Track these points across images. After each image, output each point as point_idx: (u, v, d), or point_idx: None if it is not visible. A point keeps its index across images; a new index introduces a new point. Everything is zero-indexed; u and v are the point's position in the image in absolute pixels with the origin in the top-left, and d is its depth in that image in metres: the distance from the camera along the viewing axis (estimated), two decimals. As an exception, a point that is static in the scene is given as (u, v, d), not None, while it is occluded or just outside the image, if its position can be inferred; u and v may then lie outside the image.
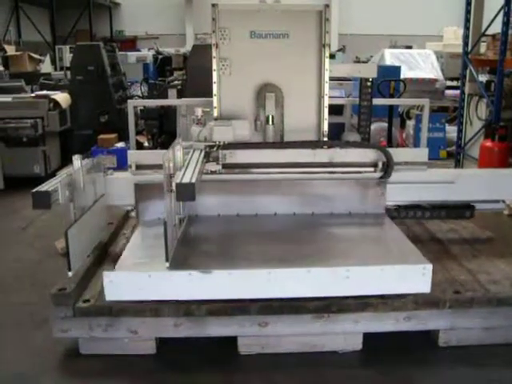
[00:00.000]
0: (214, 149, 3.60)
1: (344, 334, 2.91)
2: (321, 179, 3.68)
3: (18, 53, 11.84)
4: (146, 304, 2.80)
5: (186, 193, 2.66)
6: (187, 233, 3.38)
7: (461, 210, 3.84)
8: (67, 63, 11.66)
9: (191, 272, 2.74)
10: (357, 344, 2.93)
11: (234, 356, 2.89)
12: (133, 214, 4.05)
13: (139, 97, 9.37)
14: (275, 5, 4.50)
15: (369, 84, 5.28)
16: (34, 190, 2.76)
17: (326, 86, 4.22)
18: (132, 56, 14.13)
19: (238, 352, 2.89)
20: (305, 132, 4.19)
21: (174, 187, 2.71)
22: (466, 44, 7.55)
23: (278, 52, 4.17)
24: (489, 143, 6.66)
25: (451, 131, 8.68)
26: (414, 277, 2.82)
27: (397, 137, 8.29)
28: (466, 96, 7.69)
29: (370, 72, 5.32)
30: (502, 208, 4.14)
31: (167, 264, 2.74)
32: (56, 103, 7.04)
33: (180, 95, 7.26)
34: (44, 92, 7.60)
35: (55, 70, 12.60)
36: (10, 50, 12.37)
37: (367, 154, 3.73)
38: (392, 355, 2.92)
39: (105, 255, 3.46)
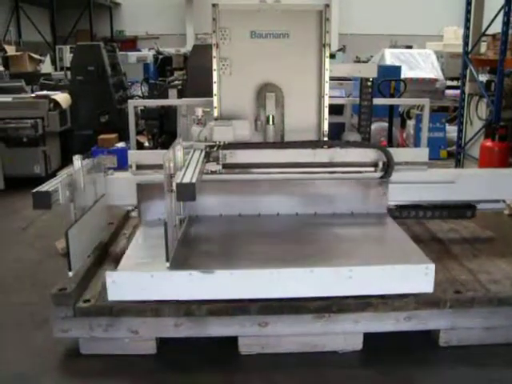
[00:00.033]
0: (215, 149, 3.60)
1: (344, 334, 2.90)
2: (321, 179, 3.68)
3: (19, 53, 11.85)
4: (147, 304, 2.80)
5: (187, 193, 2.66)
6: (189, 233, 3.38)
7: (463, 209, 3.84)
8: (67, 63, 11.68)
9: (192, 272, 2.74)
10: (357, 344, 2.93)
11: (235, 356, 2.89)
12: (133, 213, 4.05)
13: (139, 97, 9.38)
14: (275, 5, 4.50)
15: (369, 84, 5.29)
16: (35, 190, 2.76)
17: (327, 86, 4.22)
18: (132, 56, 14.15)
19: (239, 352, 2.89)
20: (305, 132, 4.19)
21: (174, 187, 2.72)
22: (466, 44, 7.55)
23: (278, 52, 4.17)
24: (489, 143, 6.66)
25: (451, 131, 8.68)
26: (417, 277, 2.82)
27: (397, 137, 8.28)
28: (467, 96, 7.69)
29: (370, 72, 5.32)
30: (503, 208, 4.14)
31: (167, 264, 2.74)
32: (56, 103, 7.04)
33: (180, 95, 7.26)
34: (44, 92, 7.61)
35: (55, 70, 12.62)
36: (11, 50, 12.38)
37: (367, 154, 3.73)
38: (392, 355, 2.92)
39: (105, 255, 3.46)
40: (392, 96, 7.25)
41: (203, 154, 3.45)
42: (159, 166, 3.10)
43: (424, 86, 10.31)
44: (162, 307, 2.80)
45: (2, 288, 3.81)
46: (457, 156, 7.82)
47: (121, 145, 7.20)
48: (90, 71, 7.96)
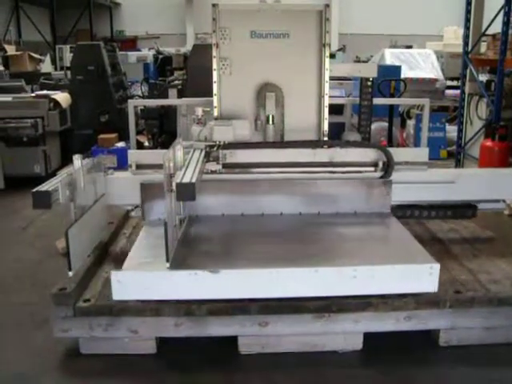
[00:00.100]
0: (215, 148, 3.60)
1: (344, 334, 2.90)
2: (321, 179, 3.68)
3: (19, 52, 11.84)
4: (147, 304, 2.80)
5: (187, 192, 2.66)
6: (192, 233, 3.38)
7: (466, 209, 3.84)
8: (67, 63, 11.67)
9: (198, 272, 2.73)
10: (357, 344, 2.93)
11: (235, 356, 2.89)
12: (133, 213, 4.05)
13: (139, 96, 9.38)
14: (275, 5, 4.50)
15: (369, 84, 5.29)
16: (35, 190, 2.76)
17: (327, 86, 4.22)
18: (132, 56, 14.15)
19: (239, 352, 2.89)
20: (305, 132, 4.19)
21: (174, 187, 2.72)
22: (466, 44, 7.56)
23: (278, 52, 4.17)
24: (489, 143, 6.66)
25: (451, 131, 8.68)
26: (421, 276, 2.82)
27: (397, 136, 8.28)
28: (467, 96, 7.69)
29: (370, 72, 5.33)
30: (503, 208, 4.14)
31: (167, 264, 2.74)
32: (56, 103, 7.04)
33: (180, 95, 7.26)
34: (44, 92, 7.61)
35: (55, 69, 12.61)
36: (11, 50, 12.37)
37: (367, 154, 3.72)
38: (392, 355, 2.92)
39: (105, 255, 3.46)
40: (392, 96, 7.25)
41: (203, 153, 3.45)
42: (159, 166, 3.10)
43: (424, 86, 10.31)
44: (162, 307, 2.80)
45: (2, 288, 3.81)
46: (457, 156, 7.82)
47: (121, 144, 7.20)
48: (90, 71, 7.95)
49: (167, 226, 2.69)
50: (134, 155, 3.78)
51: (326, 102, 4.24)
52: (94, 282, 3.07)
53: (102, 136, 7.36)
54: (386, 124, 7.33)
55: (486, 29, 7.38)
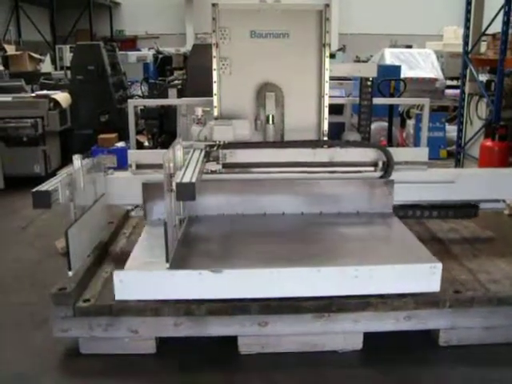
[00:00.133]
0: (215, 148, 3.60)
1: (344, 334, 2.90)
2: (321, 179, 3.68)
3: (18, 52, 11.85)
4: (147, 303, 2.80)
5: (186, 192, 2.66)
6: (193, 232, 3.38)
7: (468, 209, 3.84)
8: (67, 63, 11.68)
9: (202, 272, 2.73)
10: (357, 343, 2.92)
11: (235, 356, 2.89)
12: (133, 213, 4.06)
13: (139, 96, 9.38)
14: (275, 4, 4.49)
15: (369, 83, 5.29)
16: (34, 190, 2.76)
17: (326, 86, 4.22)
18: (132, 55, 14.14)
19: (239, 352, 2.89)
20: (305, 131, 4.19)
21: (174, 187, 2.71)
22: (466, 43, 7.55)
23: (278, 51, 4.17)
24: (489, 143, 6.66)
25: (451, 131, 8.68)
26: (424, 276, 2.82)
27: (397, 136, 8.29)
28: (466, 95, 7.69)
29: (370, 71, 5.32)
30: (503, 208, 4.14)
31: (167, 265, 2.74)
32: (56, 103, 7.04)
33: (180, 95, 7.25)
34: (44, 92, 7.61)
35: (55, 69, 12.62)
36: (10, 50, 12.37)
37: (367, 154, 3.73)
38: (392, 355, 2.92)
39: (105, 255, 3.46)
40: (392, 96, 7.25)
41: (203, 153, 3.45)
42: (159, 166, 3.09)
43: (424, 86, 10.32)
44: (162, 307, 2.80)
45: (2, 288, 3.80)
46: (457, 156, 7.82)
47: (121, 144, 7.20)
48: (90, 71, 7.95)
49: (167, 225, 2.69)
50: (133, 155, 3.78)
51: (326, 101, 4.24)
52: (94, 281, 3.07)
53: (101, 136, 7.36)
54: (385, 124, 7.33)
55: (486, 28, 7.38)
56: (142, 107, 7.79)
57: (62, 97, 7.28)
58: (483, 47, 8.05)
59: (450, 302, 2.86)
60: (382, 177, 3.67)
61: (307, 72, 4.24)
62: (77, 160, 3.08)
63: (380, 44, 15.21)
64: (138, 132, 7.69)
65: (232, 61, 4.18)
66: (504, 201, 4.01)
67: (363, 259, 2.97)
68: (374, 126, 6.62)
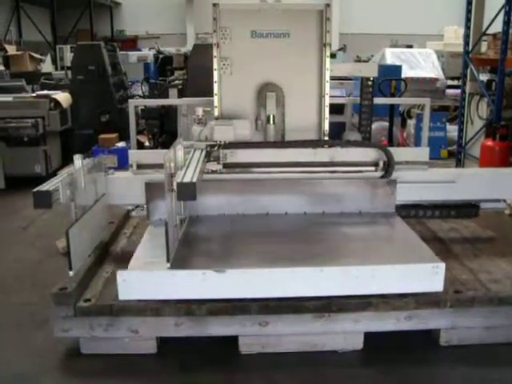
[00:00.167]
0: (215, 148, 3.60)
1: (344, 334, 2.90)
2: (321, 179, 3.68)
3: (19, 52, 11.84)
4: (147, 303, 2.80)
5: (187, 192, 2.66)
6: (194, 232, 3.37)
7: (469, 209, 3.84)
8: (68, 63, 11.70)
9: (206, 271, 2.73)
10: (357, 343, 2.92)
11: (235, 355, 2.88)
12: (134, 213, 4.06)
13: (140, 96, 9.39)
14: (276, 4, 4.50)
15: (370, 83, 5.29)
16: (35, 190, 2.76)
17: (327, 86, 4.23)
18: (133, 55, 14.16)
19: (239, 351, 2.89)
20: (306, 131, 4.20)
21: (175, 187, 2.72)
22: (466, 43, 7.55)
23: (278, 51, 4.18)
24: (490, 142, 6.65)
25: (452, 130, 8.67)
26: (427, 275, 2.81)
27: (398, 136, 8.29)
28: (467, 95, 7.69)
29: (370, 71, 5.33)
30: (503, 207, 4.13)
31: (168, 265, 2.74)
32: (57, 103, 7.04)
33: (181, 95, 7.26)
34: (45, 92, 7.62)
35: (56, 69, 12.63)
36: (11, 50, 12.38)
37: (368, 154, 3.72)
38: (393, 354, 2.92)
39: (106, 255, 3.46)
40: (392, 95, 7.25)
41: (204, 153, 3.45)
42: (160, 166, 3.10)
43: (424, 86, 10.31)
44: (163, 307, 2.80)
45: (2, 288, 3.81)
46: (457, 155, 7.81)
47: (121, 144, 7.20)
48: (91, 71, 7.96)
49: (168, 225, 2.69)
50: (134, 155, 3.78)
51: (327, 101, 4.24)
52: (95, 281, 3.07)
53: (102, 136, 7.36)
54: (386, 123, 7.33)
55: (487, 28, 7.37)
56: (143, 107, 7.79)
57: (63, 97, 7.28)
58: (484, 47, 8.04)
59: (450, 301, 2.86)
60: (382, 177, 3.67)
61: (308, 72, 4.24)
62: (77, 160, 3.08)
63: (381, 44, 15.19)
64: (139, 132, 7.69)
65: (233, 61, 4.19)
66: (505, 200, 4.00)
67: (366, 259, 2.96)
68: (374, 125, 6.61)
